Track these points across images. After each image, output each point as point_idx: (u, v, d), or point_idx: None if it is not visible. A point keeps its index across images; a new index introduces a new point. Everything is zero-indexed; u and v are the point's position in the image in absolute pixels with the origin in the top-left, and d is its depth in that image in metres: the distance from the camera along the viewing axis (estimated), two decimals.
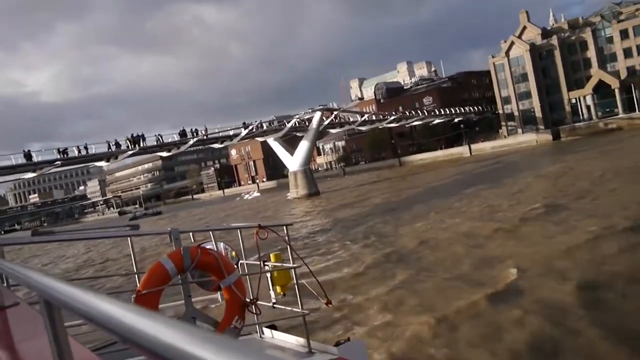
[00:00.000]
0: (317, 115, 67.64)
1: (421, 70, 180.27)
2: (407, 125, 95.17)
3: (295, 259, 5.63)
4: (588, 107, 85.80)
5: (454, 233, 21.19)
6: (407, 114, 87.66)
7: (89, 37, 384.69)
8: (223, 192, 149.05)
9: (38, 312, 2.42)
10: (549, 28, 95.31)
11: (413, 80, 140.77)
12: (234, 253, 5.73)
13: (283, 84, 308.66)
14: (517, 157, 64.54)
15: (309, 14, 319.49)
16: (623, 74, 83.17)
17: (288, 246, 5.58)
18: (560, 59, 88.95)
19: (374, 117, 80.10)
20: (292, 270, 5.63)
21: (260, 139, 71.18)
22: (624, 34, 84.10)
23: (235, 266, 5.16)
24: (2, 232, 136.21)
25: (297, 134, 72.09)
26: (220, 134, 61.65)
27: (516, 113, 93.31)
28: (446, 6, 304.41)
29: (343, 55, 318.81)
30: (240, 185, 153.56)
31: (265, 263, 5.61)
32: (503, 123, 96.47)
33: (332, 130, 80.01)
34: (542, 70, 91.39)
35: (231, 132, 63.30)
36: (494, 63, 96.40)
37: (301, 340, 5.35)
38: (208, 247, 5.04)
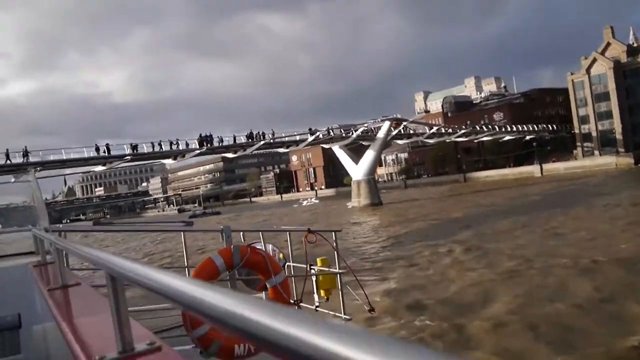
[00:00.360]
0: (386, 125, 65.88)
1: (490, 86, 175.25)
2: (475, 141, 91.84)
3: (342, 265, 5.80)
4: None
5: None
6: (477, 128, 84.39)
7: (160, 41, 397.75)
8: (281, 196, 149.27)
9: (97, 292, 3.07)
10: (635, 45, 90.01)
11: (482, 95, 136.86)
12: (281, 255, 5.86)
13: (347, 95, 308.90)
14: (596, 180, 60.20)
15: (373, 26, 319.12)
16: None
17: (335, 252, 5.77)
18: None
19: (442, 130, 77.47)
20: (338, 275, 5.76)
21: (325, 146, 70.04)
22: None
23: (282, 268, 5.12)
24: (68, 221, 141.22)
25: (363, 143, 70.71)
26: (287, 138, 60.96)
27: (594, 134, 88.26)
28: (515, 21, 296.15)
29: (407, 67, 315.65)
30: (298, 191, 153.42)
31: (312, 267, 5.74)
32: (578, 143, 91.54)
33: (399, 142, 77.88)
34: (626, 90, 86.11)
35: (297, 137, 62.63)
36: (572, 80, 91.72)
37: None
38: (257, 247, 5.07)
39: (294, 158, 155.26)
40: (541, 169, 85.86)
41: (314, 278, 5.76)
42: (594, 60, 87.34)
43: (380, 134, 66.08)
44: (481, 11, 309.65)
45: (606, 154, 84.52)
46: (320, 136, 62.05)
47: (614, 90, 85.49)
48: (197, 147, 52.54)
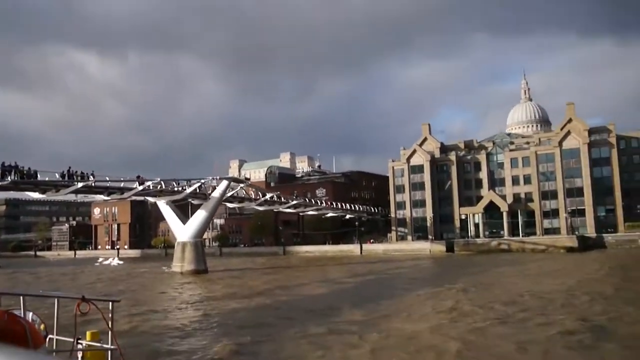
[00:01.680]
0: (224, 184, 60.95)
1: (303, 164, 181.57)
2: (301, 214, 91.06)
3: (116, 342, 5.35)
4: (476, 225, 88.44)
5: None
6: (306, 201, 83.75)
7: None
8: (75, 253, 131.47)
9: None
10: (446, 144, 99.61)
11: (304, 169, 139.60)
12: (42, 326, 5.15)
13: (157, 152, 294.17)
14: (412, 265, 61.67)
15: (191, 88, 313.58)
16: (509, 199, 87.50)
17: (109, 325, 5.24)
18: (456, 175, 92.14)
19: (274, 198, 74.82)
20: (108, 352, 5.26)
21: (152, 199, 62.10)
22: (514, 163, 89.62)
23: (45, 340, 4.67)
24: None
25: (193, 202, 64.77)
26: (110, 184, 52.25)
27: (408, 219, 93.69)
28: (326, 108, 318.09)
29: (224, 133, 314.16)
30: (96, 248, 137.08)
31: (79, 341, 5.31)
32: (393, 227, 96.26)
33: (229, 204, 73.11)
34: (437, 183, 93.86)
35: (122, 184, 54.23)
36: (393, 167, 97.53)
37: None
38: (16, 313, 4.32)
39: (97, 211, 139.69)
40: (361, 248, 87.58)
41: (80, 354, 5.22)
42: (414, 151, 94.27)
43: (216, 194, 60.76)
44: (297, 94, 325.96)
45: (418, 240, 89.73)
46: (150, 187, 54.55)
47: (429, 181, 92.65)
48: None
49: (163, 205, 62.54)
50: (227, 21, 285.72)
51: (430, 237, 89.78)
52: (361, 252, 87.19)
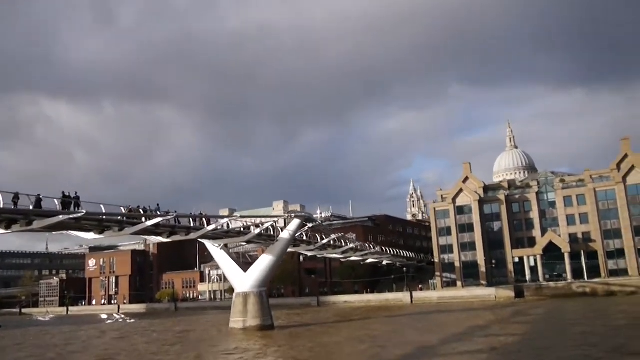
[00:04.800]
0: (295, 223, 52.70)
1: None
2: (343, 260, 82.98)
3: None
4: (532, 268, 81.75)
5: None
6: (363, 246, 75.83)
7: None
8: (67, 309, 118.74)
9: None
10: (487, 184, 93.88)
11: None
12: None
13: (130, 203, 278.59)
14: (494, 317, 54.04)
15: (168, 138, 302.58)
16: (565, 239, 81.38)
17: None
18: (506, 215, 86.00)
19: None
20: None
21: (208, 242, 52.74)
22: (568, 201, 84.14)
23: None
24: None
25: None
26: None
27: (457, 264, 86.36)
28: (303, 159, 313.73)
29: (200, 184, 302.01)
30: (90, 304, 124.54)
31: None
32: (438, 273, 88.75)
33: (302, 250, 65.01)
34: (485, 224, 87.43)
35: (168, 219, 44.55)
36: (435, 209, 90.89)
37: None
38: None
39: (92, 262, 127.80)
40: (411, 297, 79.46)
41: None
42: (461, 190, 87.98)
43: (286, 234, 52.44)
44: (277, 143, 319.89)
45: (471, 286, 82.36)
46: (219, 228, 45.73)
47: (478, 222, 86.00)
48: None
49: (216, 250, 53.76)
50: (206, 72, 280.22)
51: (483, 282, 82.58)
52: (412, 301, 79.07)
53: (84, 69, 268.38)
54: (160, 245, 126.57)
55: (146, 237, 49.01)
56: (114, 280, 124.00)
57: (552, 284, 74.81)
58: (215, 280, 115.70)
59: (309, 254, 69.43)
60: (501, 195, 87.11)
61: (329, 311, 74.91)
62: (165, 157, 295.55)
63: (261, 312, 50.40)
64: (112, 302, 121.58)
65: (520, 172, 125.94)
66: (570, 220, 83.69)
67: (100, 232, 38.99)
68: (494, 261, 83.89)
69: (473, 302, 72.78)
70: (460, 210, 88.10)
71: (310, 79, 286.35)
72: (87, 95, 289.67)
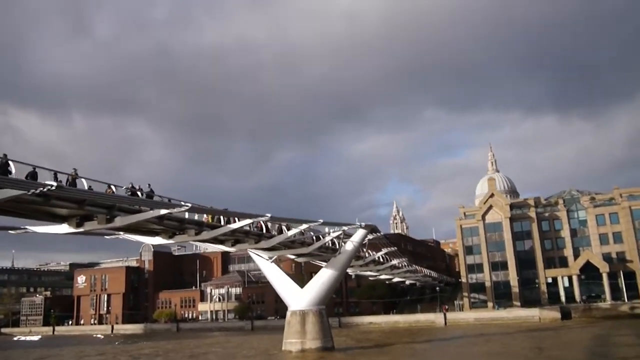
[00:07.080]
0: (360, 234, 48.06)
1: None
2: (372, 279, 78.14)
3: None
4: (566, 288, 78.67)
5: None
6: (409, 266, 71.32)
7: None
8: (53, 329, 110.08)
9: None
10: (512, 202, 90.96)
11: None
12: None
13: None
14: (543, 334, 50.71)
15: (138, 154, 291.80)
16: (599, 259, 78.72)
17: None
18: (537, 233, 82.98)
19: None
20: None
21: (258, 254, 47.36)
22: (601, 219, 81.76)
23: None
24: None
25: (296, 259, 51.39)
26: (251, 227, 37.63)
27: (488, 284, 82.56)
28: (277, 180, 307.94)
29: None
30: (78, 323, 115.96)
31: None
32: (465, 293, 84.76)
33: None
34: (515, 242, 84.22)
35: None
36: (461, 226, 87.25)
37: None
38: None
39: (81, 279, 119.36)
40: (445, 317, 75.12)
41: None
42: (490, 207, 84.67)
43: (349, 246, 47.71)
44: (252, 163, 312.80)
45: (502, 307, 78.61)
46: (295, 235, 40.76)
47: (510, 240, 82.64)
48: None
49: (267, 264, 48.59)
50: (181, 87, 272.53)
51: (516, 302, 78.98)
52: (445, 323, 74.66)
53: (55, 80, 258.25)
54: (156, 261, 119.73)
55: (207, 244, 43.32)
56: (105, 299, 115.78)
57: (601, 304, 71.61)
58: (217, 299, 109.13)
59: (351, 270, 64.37)
60: (532, 212, 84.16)
61: (350, 332, 69.82)
62: (135, 173, 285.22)
63: (322, 333, 45.07)
64: (103, 322, 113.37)
65: (505, 196, 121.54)
66: (602, 239, 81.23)
67: (170, 237, 33.78)
68: (537, 281, 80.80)
69: (515, 323, 68.86)
70: (489, 227, 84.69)
71: (287, 98, 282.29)
72: (57, 107, 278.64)
